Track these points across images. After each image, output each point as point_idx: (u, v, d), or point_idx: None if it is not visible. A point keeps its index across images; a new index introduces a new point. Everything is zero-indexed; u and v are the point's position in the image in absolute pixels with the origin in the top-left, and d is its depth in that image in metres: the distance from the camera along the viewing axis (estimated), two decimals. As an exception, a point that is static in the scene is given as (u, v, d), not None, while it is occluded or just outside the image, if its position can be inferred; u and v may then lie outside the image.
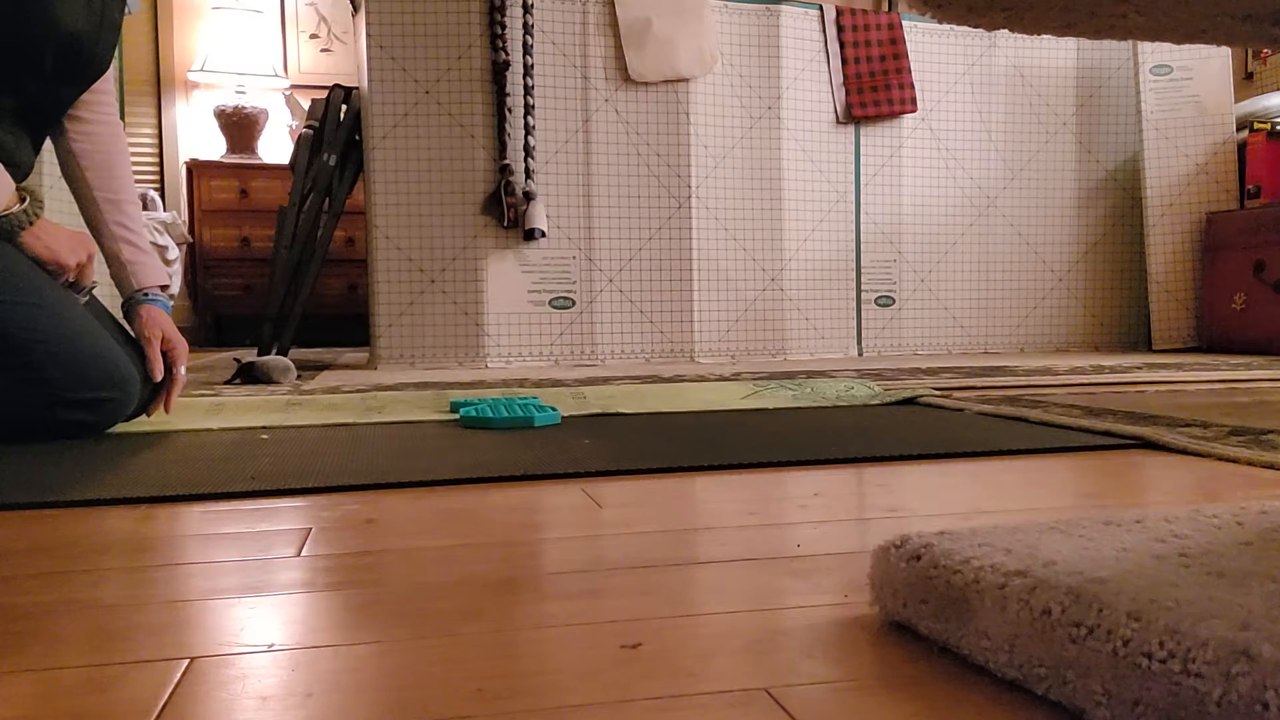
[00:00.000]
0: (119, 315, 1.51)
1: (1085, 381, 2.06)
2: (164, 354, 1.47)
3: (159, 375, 1.46)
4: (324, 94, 3.09)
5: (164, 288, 1.53)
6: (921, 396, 1.73)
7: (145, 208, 4.19)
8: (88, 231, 1.45)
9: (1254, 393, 1.80)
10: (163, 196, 4.63)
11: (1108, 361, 2.77)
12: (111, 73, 1.53)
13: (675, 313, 2.99)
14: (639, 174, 2.95)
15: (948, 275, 3.36)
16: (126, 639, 0.54)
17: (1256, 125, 3.31)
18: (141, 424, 1.44)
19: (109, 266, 1.52)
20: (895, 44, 3.21)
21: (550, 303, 2.89)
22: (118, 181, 1.51)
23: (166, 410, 1.48)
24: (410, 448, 1.23)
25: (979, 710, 0.44)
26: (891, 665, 0.49)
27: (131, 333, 1.46)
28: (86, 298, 1.42)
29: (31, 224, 1.34)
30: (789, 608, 0.59)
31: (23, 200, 1.34)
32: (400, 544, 0.76)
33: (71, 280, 1.39)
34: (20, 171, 1.41)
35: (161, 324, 1.48)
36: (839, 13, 3.19)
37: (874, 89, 3.20)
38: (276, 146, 4.75)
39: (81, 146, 1.49)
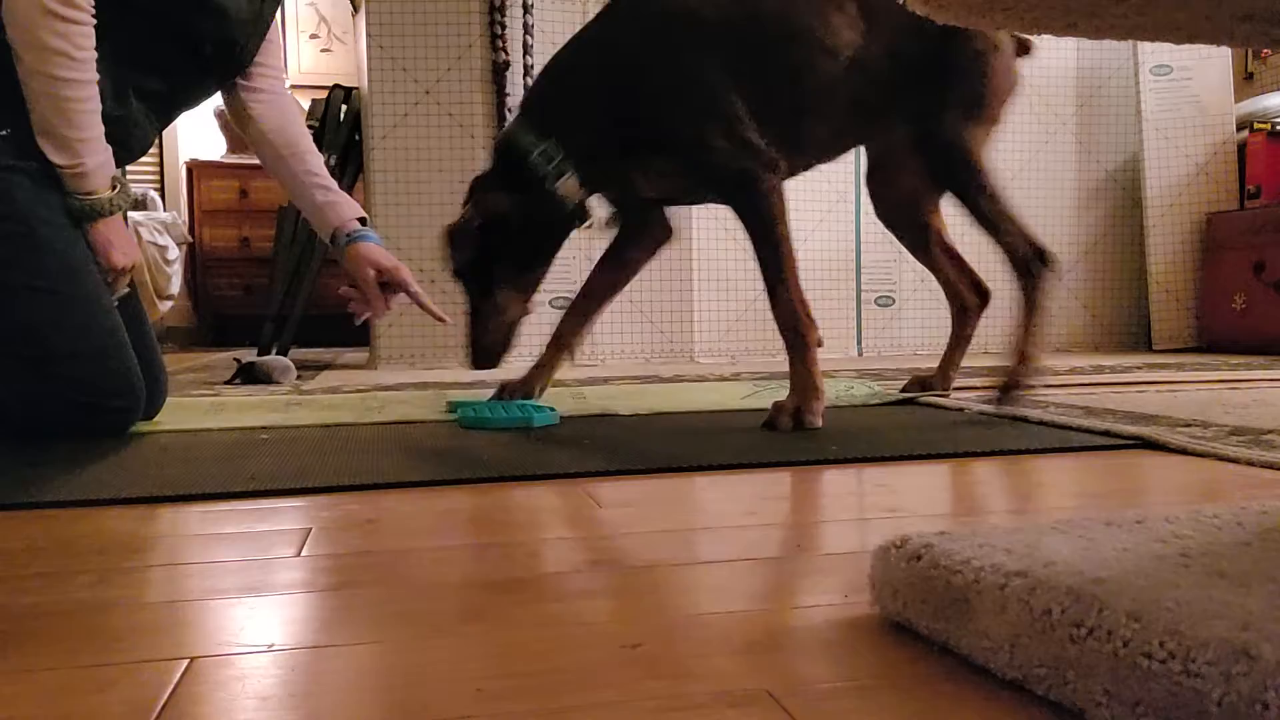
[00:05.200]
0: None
1: (1085, 381, 2.06)
2: (385, 284, 1.59)
3: (380, 314, 1.61)
4: (324, 94, 3.09)
5: (362, 220, 1.64)
6: (921, 396, 1.73)
7: (145, 208, 4.18)
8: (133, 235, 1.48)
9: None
10: (163, 196, 4.63)
11: (1108, 361, 2.77)
12: (281, 51, 1.67)
13: (675, 313, 2.99)
14: (639, 174, 2.94)
15: (948, 275, 3.35)
16: (126, 639, 0.54)
17: (1256, 125, 3.30)
18: (142, 424, 1.44)
19: (307, 214, 1.67)
20: (895, 44, 3.20)
21: (550, 303, 2.89)
22: (295, 138, 1.64)
23: (440, 319, 1.63)
24: (410, 448, 1.23)
25: (979, 710, 0.44)
26: (892, 665, 0.49)
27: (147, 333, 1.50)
28: (116, 301, 1.41)
29: (111, 215, 1.35)
30: (789, 608, 0.59)
31: (114, 188, 1.35)
32: (400, 544, 0.76)
33: (109, 281, 1.38)
34: (131, 155, 1.47)
35: (371, 259, 1.58)
36: (839, 13, 3.18)
37: (874, 89, 3.19)
38: (276, 146, 4.74)
39: (261, 111, 1.61)
